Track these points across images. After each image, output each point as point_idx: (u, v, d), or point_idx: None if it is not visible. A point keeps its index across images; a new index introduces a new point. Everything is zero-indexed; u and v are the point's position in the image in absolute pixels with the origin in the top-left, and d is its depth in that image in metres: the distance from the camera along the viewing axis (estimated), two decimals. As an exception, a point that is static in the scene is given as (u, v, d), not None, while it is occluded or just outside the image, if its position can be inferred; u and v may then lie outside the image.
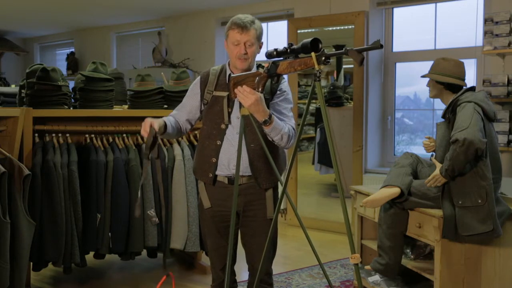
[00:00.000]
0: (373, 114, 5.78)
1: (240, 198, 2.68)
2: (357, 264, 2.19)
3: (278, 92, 2.72)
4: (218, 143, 2.68)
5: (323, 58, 2.23)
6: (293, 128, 2.67)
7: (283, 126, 2.59)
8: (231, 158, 2.66)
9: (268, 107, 2.63)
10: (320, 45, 2.26)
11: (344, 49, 2.18)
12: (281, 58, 2.46)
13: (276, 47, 2.47)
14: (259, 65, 2.71)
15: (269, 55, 2.50)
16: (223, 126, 2.67)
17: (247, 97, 2.43)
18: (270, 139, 2.61)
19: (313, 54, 2.24)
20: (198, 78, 2.82)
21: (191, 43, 7.46)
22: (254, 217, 2.73)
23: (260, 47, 2.70)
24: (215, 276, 2.85)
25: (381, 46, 2.09)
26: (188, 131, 2.83)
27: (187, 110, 2.80)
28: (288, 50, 2.40)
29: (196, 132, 4.34)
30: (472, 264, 3.18)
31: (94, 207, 3.79)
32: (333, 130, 5.90)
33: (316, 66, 2.23)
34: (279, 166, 2.75)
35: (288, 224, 6.07)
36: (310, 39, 2.27)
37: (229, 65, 2.75)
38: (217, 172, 2.71)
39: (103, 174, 3.83)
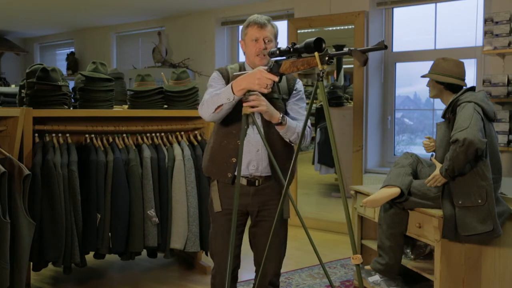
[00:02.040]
0: (373, 114, 5.78)
1: (256, 198, 2.68)
2: (358, 265, 2.18)
3: (294, 91, 2.75)
4: (239, 143, 2.57)
5: (327, 58, 2.21)
6: (309, 126, 2.69)
7: (297, 124, 2.64)
8: (252, 158, 2.64)
9: (286, 106, 2.66)
10: (324, 45, 2.25)
11: (348, 49, 2.16)
12: (284, 58, 2.46)
13: (279, 47, 2.48)
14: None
15: (271, 54, 2.49)
16: (245, 126, 2.58)
17: (261, 103, 2.47)
18: (287, 140, 2.62)
19: (316, 54, 2.23)
20: (217, 73, 2.73)
21: (191, 43, 7.46)
22: (268, 217, 2.71)
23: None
24: (219, 278, 2.75)
25: (386, 47, 2.07)
26: None
27: None
28: (291, 50, 2.39)
29: (197, 132, 4.34)
30: (472, 264, 3.18)
31: (94, 207, 3.79)
32: (333, 130, 5.89)
33: (319, 66, 2.22)
34: (294, 166, 2.74)
35: (288, 224, 6.06)
36: (313, 38, 2.26)
37: (246, 64, 2.74)
38: (236, 173, 2.63)
39: (103, 174, 3.83)
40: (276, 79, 2.45)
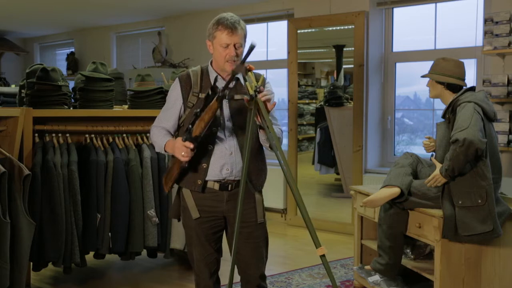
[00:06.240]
0: (373, 114, 5.78)
1: (230, 203, 2.58)
2: (323, 255, 2.32)
3: None
4: (209, 148, 2.55)
5: (220, 91, 2.40)
6: (281, 130, 2.68)
7: (277, 128, 2.60)
8: (226, 161, 2.55)
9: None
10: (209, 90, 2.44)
11: (233, 75, 2.41)
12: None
13: (195, 111, 2.48)
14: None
15: (189, 135, 2.48)
16: (214, 129, 2.55)
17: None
18: (266, 144, 2.59)
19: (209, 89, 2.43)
20: (177, 82, 2.65)
21: (191, 43, 7.46)
22: (246, 222, 2.61)
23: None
24: (203, 285, 2.73)
25: (253, 47, 2.29)
26: None
27: (172, 124, 2.65)
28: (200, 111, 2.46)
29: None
30: (472, 264, 3.18)
31: (94, 207, 3.80)
32: (333, 130, 5.91)
33: (216, 104, 2.41)
34: (265, 168, 2.71)
35: (288, 224, 6.07)
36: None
37: (211, 65, 2.65)
38: (207, 178, 2.57)
39: (103, 174, 3.83)
40: (191, 145, 2.45)
